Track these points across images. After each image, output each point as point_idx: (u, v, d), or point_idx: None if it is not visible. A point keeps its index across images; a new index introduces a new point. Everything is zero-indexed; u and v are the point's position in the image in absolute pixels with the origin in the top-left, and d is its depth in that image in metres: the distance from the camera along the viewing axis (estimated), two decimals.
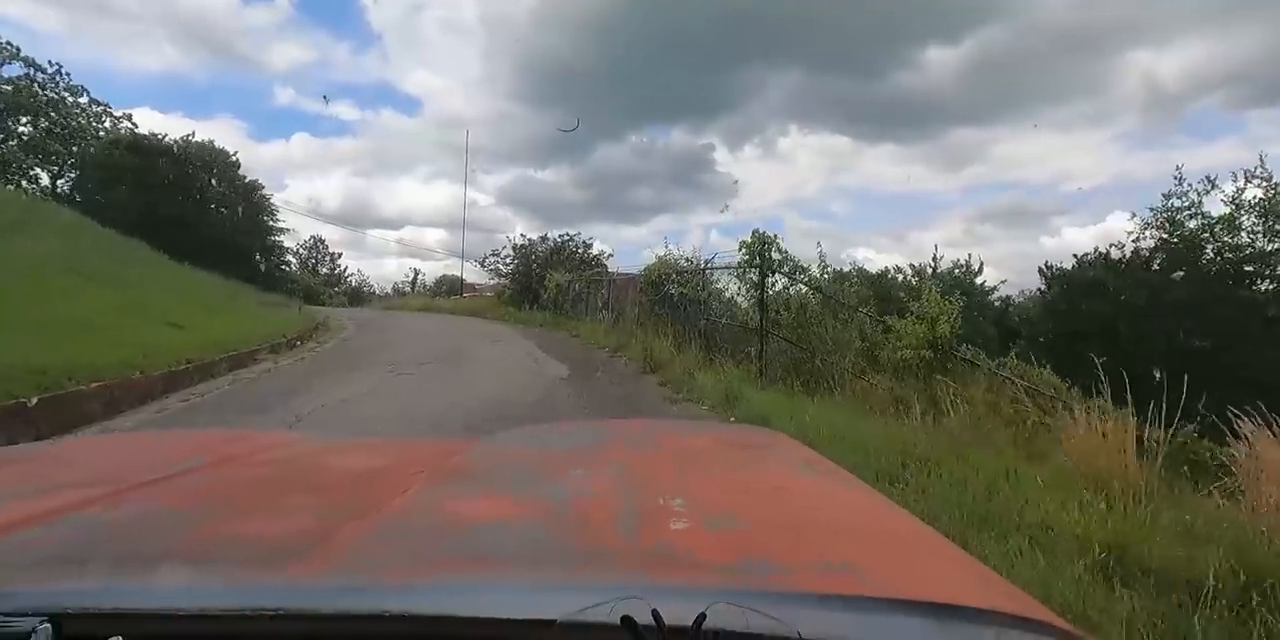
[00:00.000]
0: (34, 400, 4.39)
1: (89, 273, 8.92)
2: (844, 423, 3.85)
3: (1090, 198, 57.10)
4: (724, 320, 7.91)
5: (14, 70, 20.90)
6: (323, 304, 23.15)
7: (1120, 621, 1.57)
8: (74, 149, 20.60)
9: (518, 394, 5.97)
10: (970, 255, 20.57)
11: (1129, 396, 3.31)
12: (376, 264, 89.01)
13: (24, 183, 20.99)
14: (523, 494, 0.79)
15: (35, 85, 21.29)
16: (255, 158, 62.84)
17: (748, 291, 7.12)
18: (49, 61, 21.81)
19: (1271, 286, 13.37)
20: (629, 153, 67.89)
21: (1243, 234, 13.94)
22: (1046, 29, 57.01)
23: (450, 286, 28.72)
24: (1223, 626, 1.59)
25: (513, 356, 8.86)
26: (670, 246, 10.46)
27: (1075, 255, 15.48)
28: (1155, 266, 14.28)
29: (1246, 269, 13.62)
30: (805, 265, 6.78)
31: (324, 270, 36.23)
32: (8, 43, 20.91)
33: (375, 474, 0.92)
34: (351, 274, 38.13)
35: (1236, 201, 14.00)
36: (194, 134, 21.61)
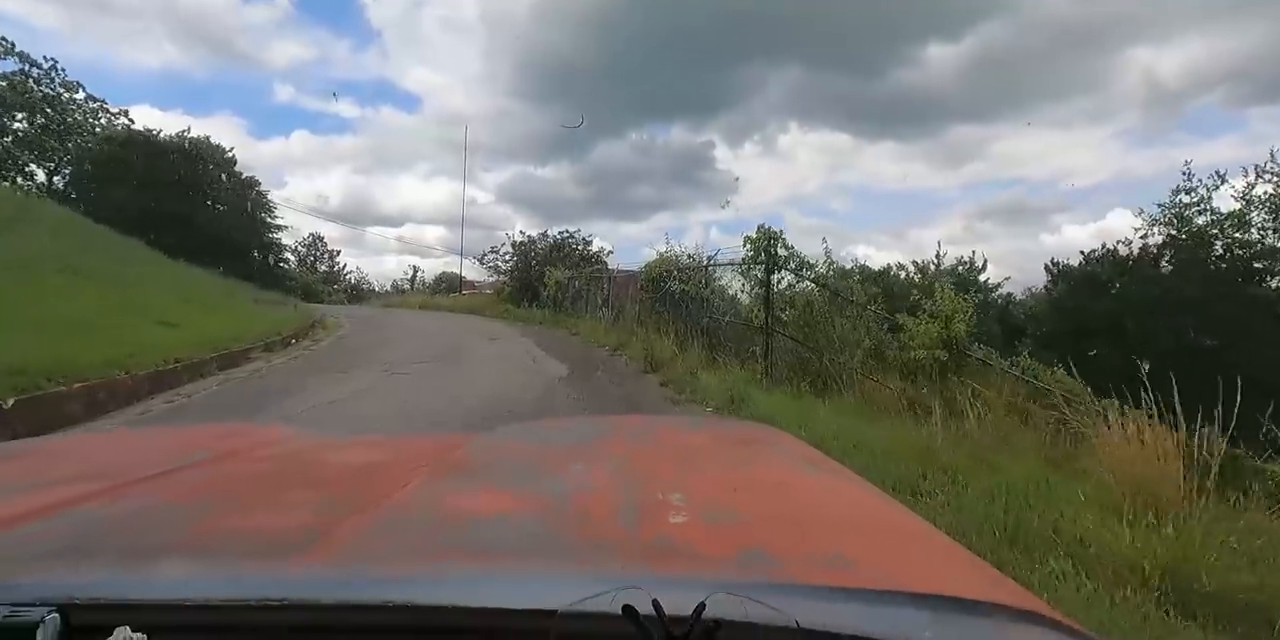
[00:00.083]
0: (10, 402, 4.22)
1: (80, 270, 8.74)
2: (856, 427, 3.67)
3: (1090, 195, 56.82)
4: (727, 318, 7.72)
5: (9, 65, 20.68)
6: (322, 301, 22.97)
7: None
8: (69, 145, 20.37)
9: (516, 395, 5.79)
10: (974, 252, 20.39)
11: (1164, 401, 3.13)
12: (376, 261, 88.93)
13: (19, 179, 20.81)
14: (522, 488, 0.78)
15: (30, 81, 21.06)
16: (255, 155, 62.80)
17: (752, 289, 6.92)
18: (44, 57, 21.58)
19: None
20: (629, 150, 67.61)
21: (1253, 230, 13.74)
22: (1047, 25, 56.76)
23: (450, 284, 28.54)
24: None
25: (511, 355, 8.69)
26: (671, 243, 10.25)
27: (1082, 252, 15.29)
28: (1164, 263, 14.07)
29: (1256, 266, 13.42)
30: (811, 262, 6.59)
31: (323, 268, 36.04)
32: (2, 38, 20.67)
33: (375, 469, 0.92)
34: (350, 271, 37.95)
35: (1247, 197, 13.81)
36: (190, 130, 21.43)
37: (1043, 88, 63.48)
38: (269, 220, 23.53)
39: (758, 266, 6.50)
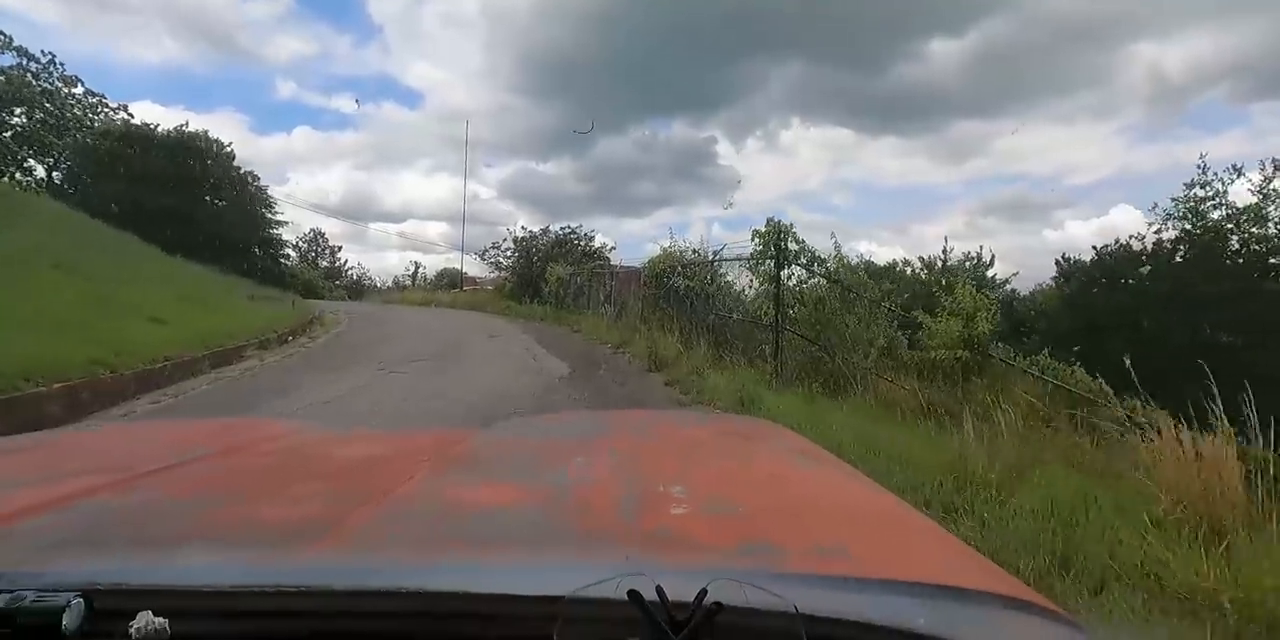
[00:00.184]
0: None
1: (70, 267, 8.55)
2: (875, 432, 3.44)
3: (1094, 191, 56.34)
4: (734, 316, 7.48)
5: (6, 60, 20.47)
6: (322, 297, 22.80)
7: None
8: (66, 140, 20.18)
9: (515, 395, 5.60)
10: (982, 247, 20.07)
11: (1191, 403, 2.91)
12: (378, 257, 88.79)
13: (18, 175, 20.63)
14: (525, 481, 0.80)
15: (28, 75, 20.86)
16: (257, 151, 62.34)
17: (761, 285, 6.67)
18: (41, 51, 21.36)
19: None
20: (630, 146, 67.08)
21: (1270, 225, 13.42)
22: (1050, 20, 56.01)
23: (451, 280, 28.35)
24: None
25: (511, 353, 8.49)
26: (676, 238, 9.99)
27: (1094, 247, 14.99)
28: (1178, 258, 13.76)
29: (1273, 261, 13.11)
30: (822, 257, 6.33)
31: (324, 263, 35.83)
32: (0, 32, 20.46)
33: (380, 462, 0.93)
34: (352, 267, 37.73)
35: (1264, 191, 13.48)
36: (187, 124, 21.19)
37: (1046, 83, 62.89)
38: (269, 216, 23.30)
39: (767, 261, 6.25)
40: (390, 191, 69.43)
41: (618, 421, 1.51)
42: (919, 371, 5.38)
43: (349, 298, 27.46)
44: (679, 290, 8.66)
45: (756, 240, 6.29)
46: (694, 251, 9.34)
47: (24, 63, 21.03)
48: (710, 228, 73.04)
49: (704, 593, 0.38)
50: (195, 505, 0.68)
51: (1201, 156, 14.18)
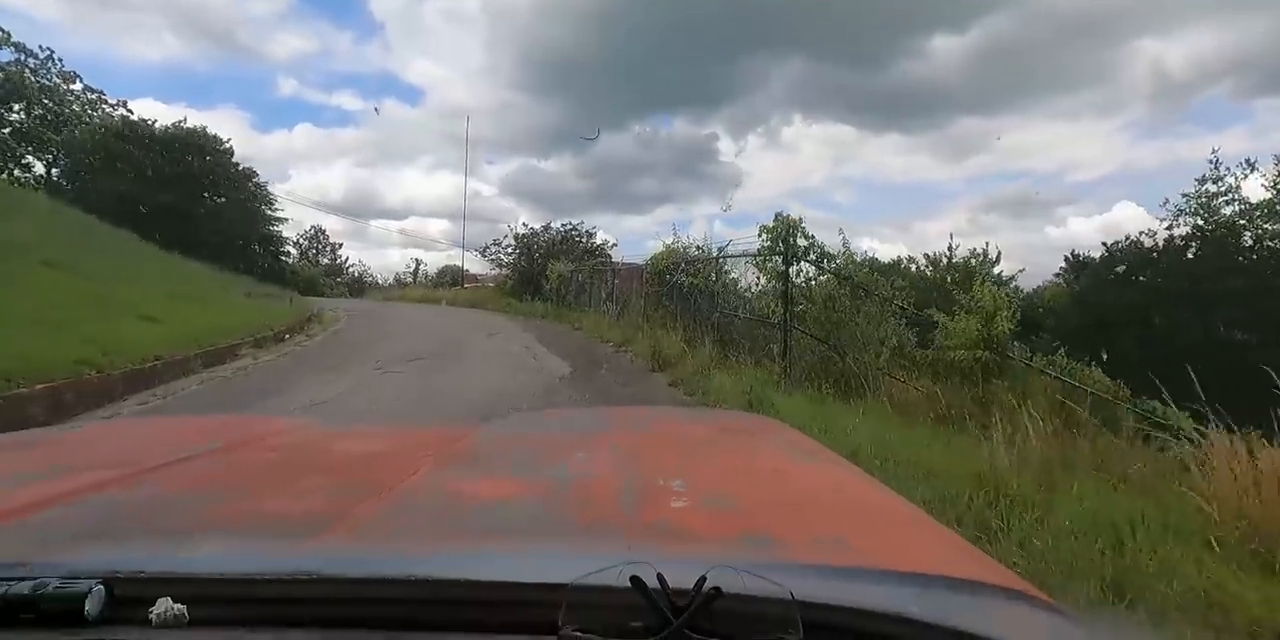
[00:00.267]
0: None
1: (61, 264, 8.39)
2: (892, 437, 3.25)
3: (1096, 187, 55.87)
4: (740, 314, 7.28)
5: (4, 56, 20.30)
6: (322, 295, 22.67)
7: None
8: (63, 136, 20.01)
9: (514, 396, 5.43)
10: (988, 243, 19.81)
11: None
12: (380, 254, 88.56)
13: (16, 172, 20.48)
14: (527, 475, 0.81)
15: (27, 71, 20.69)
16: (259, 148, 61.98)
17: (768, 282, 6.47)
18: (39, 46, 21.18)
19: None
20: (632, 143, 66.64)
21: None
22: (1053, 17, 55.39)
23: (453, 277, 28.19)
24: None
25: (511, 352, 8.31)
26: (679, 234, 9.78)
27: (1104, 243, 14.74)
28: (1190, 255, 13.52)
29: None
30: (832, 253, 6.10)
31: (324, 261, 35.68)
32: None
33: (385, 457, 0.95)
34: (353, 264, 37.57)
35: (1279, 186, 13.21)
36: (186, 120, 21.01)
37: (1049, 79, 62.29)
38: (269, 212, 23.14)
39: (775, 258, 6.04)
40: (392, 188, 69.21)
41: (618, 417, 1.52)
42: (933, 372, 5.17)
43: (350, 295, 27.35)
44: (682, 287, 8.47)
45: (764, 236, 6.08)
46: (698, 248, 9.15)
47: (22, 58, 20.90)
48: (712, 225, 72.57)
49: (703, 580, 0.38)
50: (206, 497, 0.70)
51: (1214, 151, 13.92)
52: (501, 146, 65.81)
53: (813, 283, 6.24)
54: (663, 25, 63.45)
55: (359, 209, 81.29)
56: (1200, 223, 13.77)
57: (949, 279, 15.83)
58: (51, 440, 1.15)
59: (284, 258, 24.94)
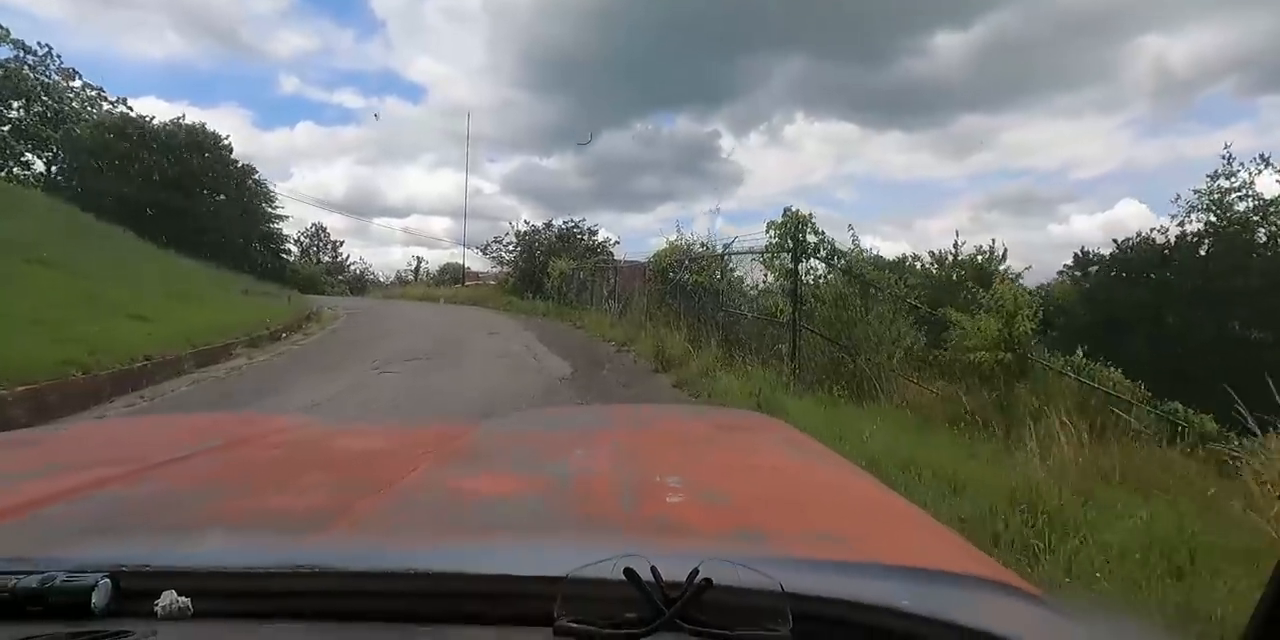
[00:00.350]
0: None
1: (52, 261, 8.24)
2: (911, 444, 3.06)
3: (1098, 185, 55.38)
4: (747, 313, 7.09)
5: (2, 53, 20.14)
6: (323, 293, 22.51)
7: None
8: (61, 133, 19.86)
9: (513, 398, 5.27)
10: (994, 241, 19.56)
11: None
12: (382, 252, 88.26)
13: (15, 169, 20.34)
14: (526, 471, 0.82)
15: (26, 68, 20.54)
16: (261, 146, 61.41)
17: (776, 280, 6.27)
18: (38, 43, 21.01)
19: None
20: (634, 140, 66.25)
21: None
22: (1056, 14, 54.94)
23: (454, 275, 28.03)
24: None
25: (511, 351, 8.15)
26: (683, 231, 9.58)
27: (1115, 240, 14.50)
28: (1203, 252, 13.27)
29: None
30: (843, 250, 5.89)
31: (325, 259, 35.50)
32: None
33: (384, 454, 0.97)
34: (354, 262, 37.36)
35: None
36: (184, 117, 20.83)
37: (1051, 77, 61.72)
38: (269, 210, 22.97)
39: (783, 255, 5.84)
40: (394, 187, 68.79)
41: (617, 415, 1.53)
42: (949, 374, 4.98)
43: (350, 293, 27.19)
44: (686, 285, 8.29)
45: (771, 232, 5.87)
46: (702, 245, 8.96)
47: (20, 55, 20.74)
48: (714, 222, 72.29)
49: (695, 572, 0.39)
50: (209, 493, 0.71)
51: (1226, 146, 13.67)
52: (503, 144, 65.62)
53: (822, 281, 6.03)
54: (664, 23, 63.16)
55: (361, 207, 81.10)
56: (1213, 219, 13.51)
57: (955, 276, 15.62)
58: (55, 438, 1.17)
59: (285, 256, 24.77)
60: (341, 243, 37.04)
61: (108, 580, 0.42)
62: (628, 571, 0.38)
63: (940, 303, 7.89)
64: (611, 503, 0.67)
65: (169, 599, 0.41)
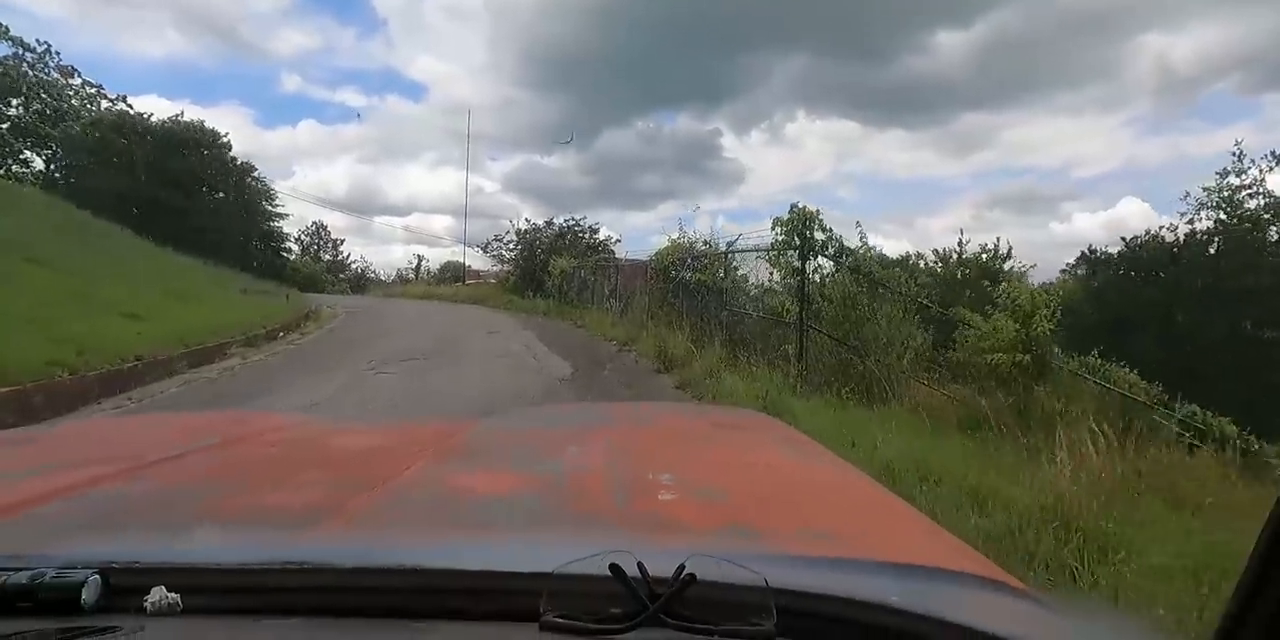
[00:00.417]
0: None
1: (45, 259, 8.13)
2: (926, 450, 2.90)
3: (1100, 183, 55.19)
4: (752, 312, 6.93)
5: (1, 50, 20.02)
6: (323, 291, 22.40)
7: None
8: (58, 130, 19.74)
9: (510, 400, 5.14)
10: (999, 239, 19.36)
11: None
12: (383, 251, 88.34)
13: (14, 167, 20.24)
14: (521, 469, 0.82)
15: (25, 65, 20.42)
16: (262, 145, 61.34)
17: (782, 278, 6.11)
18: (37, 40, 20.88)
19: None
20: (635, 139, 66.10)
21: None
22: (1058, 11, 54.71)
23: (455, 273, 27.91)
24: None
25: (510, 351, 8.01)
26: (685, 229, 9.44)
27: (1123, 238, 14.30)
28: (1213, 250, 13.07)
29: None
30: (851, 247, 5.72)
31: (326, 257, 35.38)
32: None
33: (381, 451, 0.96)
34: (355, 260, 37.23)
35: None
36: (182, 114, 20.70)
37: (1053, 75, 61.56)
38: (269, 208, 22.85)
39: (790, 252, 5.67)
40: (395, 185, 68.66)
41: (614, 412, 1.53)
42: (961, 376, 4.81)
43: (351, 291, 27.08)
44: (689, 284, 8.13)
45: (778, 229, 5.69)
46: (705, 242, 8.81)
47: (19, 52, 20.62)
48: (716, 221, 72.09)
49: (682, 568, 0.39)
50: (203, 491, 0.71)
51: (1237, 143, 13.44)
52: (504, 143, 65.54)
53: (829, 279, 5.87)
54: (665, 21, 62.94)
55: (363, 205, 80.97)
56: (1223, 217, 13.31)
57: (960, 275, 15.46)
58: (50, 437, 1.18)
59: (285, 254, 24.67)
60: (342, 241, 36.94)
61: (98, 577, 0.42)
62: (613, 567, 0.38)
63: (946, 302, 7.74)
64: (604, 499, 0.67)
65: (158, 595, 0.42)
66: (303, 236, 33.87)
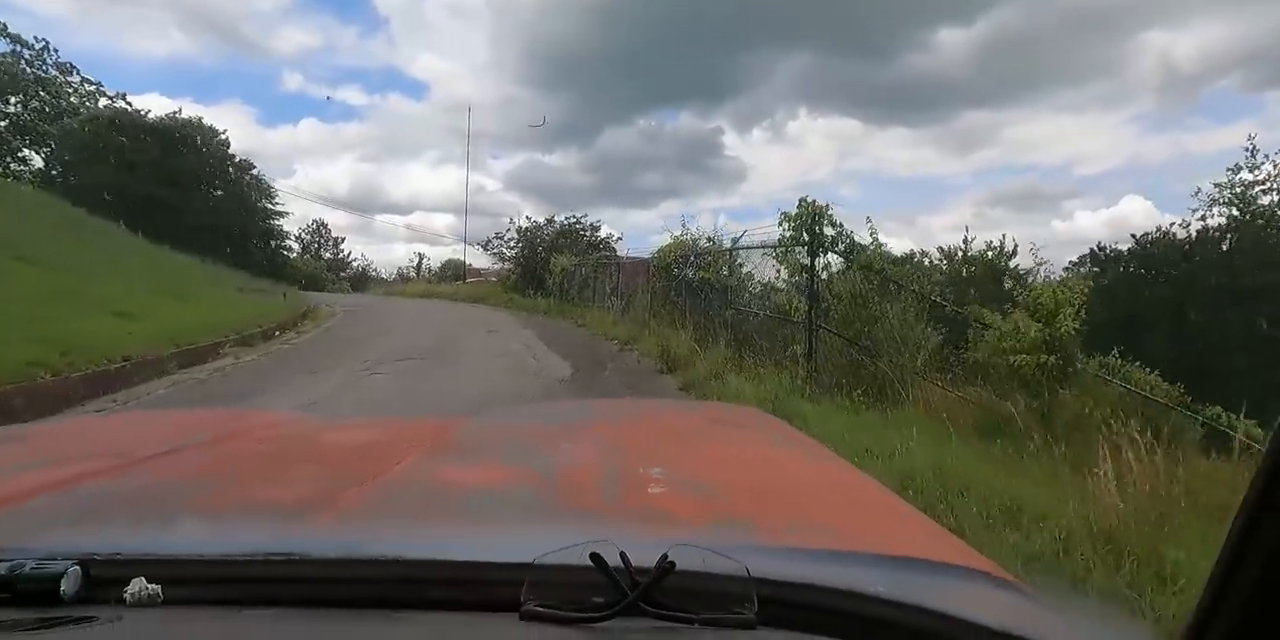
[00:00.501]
0: None
1: (36, 258, 7.98)
2: (947, 458, 2.72)
3: (1102, 181, 54.88)
4: (758, 311, 6.74)
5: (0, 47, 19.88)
6: (323, 289, 22.26)
7: None
8: (55, 127, 19.60)
9: (508, 401, 4.97)
10: (1004, 236, 19.16)
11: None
12: (385, 249, 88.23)
13: (12, 165, 20.13)
14: (511, 464, 0.82)
15: (22, 62, 20.30)
16: (264, 143, 61.39)
17: (790, 276, 5.92)
18: (34, 37, 20.75)
19: None
20: (636, 137, 65.92)
21: None
22: (1060, 9, 54.32)
23: (456, 272, 27.74)
24: None
25: (510, 351, 7.84)
26: (688, 226, 9.23)
27: (1133, 235, 14.07)
28: (1225, 247, 12.84)
29: None
30: (862, 244, 5.51)
31: (327, 255, 35.26)
32: None
33: (372, 448, 0.95)
34: (356, 259, 37.10)
35: None
36: (180, 111, 20.55)
37: (1055, 72, 61.21)
38: (269, 206, 22.70)
39: (798, 249, 5.48)
40: (397, 183, 68.57)
41: (607, 409, 1.53)
42: (976, 377, 4.63)
43: (351, 290, 26.95)
44: (691, 282, 7.95)
45: (785, 225, 5.50)
46: (708, 239, 8.62)
47: (17, 49, 20.50)
48: (717, 218, 71.77)
49: (664, 557, 0.39)
50: (191, 486, 0.71)
51: (1250, 138, 13.19)
52: (506, 141, 65.39)
53: (842, 276, 5.67)
54: (667, 19, 62.64)
55: (364, 204, 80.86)
56: (1235, 213, 13.07)
57: (965, 272, 15.24)
58: (41, 433, 1.18)
59: (284, 252, 24.52)
60: (343, 239, 36.84)
61: (77, 568, 0.41)
62: (594, 556, 0.38)
63: (954, 300, 7.54)
64: (592, 492, 0.67)
65: (138, 586, 0.41)
66: (303, 235, 33.77)
